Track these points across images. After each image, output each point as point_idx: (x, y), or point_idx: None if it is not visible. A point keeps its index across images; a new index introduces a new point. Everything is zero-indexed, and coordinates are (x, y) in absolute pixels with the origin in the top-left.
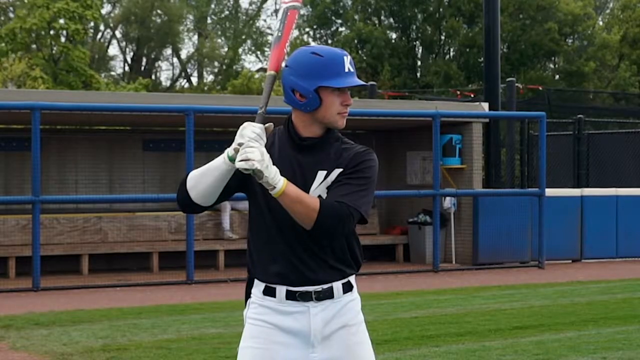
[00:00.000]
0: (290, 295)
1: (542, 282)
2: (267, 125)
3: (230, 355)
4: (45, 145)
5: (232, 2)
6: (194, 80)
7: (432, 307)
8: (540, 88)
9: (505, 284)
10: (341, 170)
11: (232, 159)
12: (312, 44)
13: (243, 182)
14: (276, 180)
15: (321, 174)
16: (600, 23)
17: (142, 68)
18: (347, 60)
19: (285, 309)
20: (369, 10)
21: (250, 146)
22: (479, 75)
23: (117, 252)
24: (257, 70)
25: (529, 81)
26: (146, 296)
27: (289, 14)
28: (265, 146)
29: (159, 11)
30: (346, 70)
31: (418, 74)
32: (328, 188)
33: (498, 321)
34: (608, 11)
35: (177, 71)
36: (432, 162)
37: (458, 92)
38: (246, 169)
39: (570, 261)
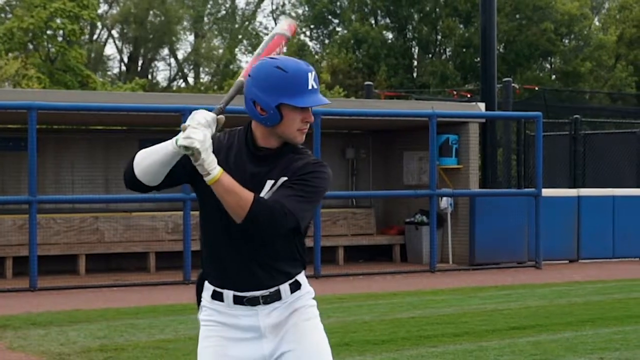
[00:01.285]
0: (237, 300)
1: (539, 283)
2: (219, 116)
3: None
4: (41, 145)
5: (228, 3)
6: (191, 80)
7: (429, 308)
8: (537, 88)
9: (502, 284)
10: (286, 178)
11: (179, 144)
12: (279, 57)
13: (192, 177)
14: (212, 166)
15: (269, 183)
16: (597, 23)
17: (139, 68)
18: (312, 76)
19: (233, 313)
20: (366, 10)
21: (195, 127)
22: (476, 76)
23: (114, 252)
24: None
25: (526, 81)
26: (143, 296)
27: (275, 37)
28: (223, 145)
29: (156, 11)
30: (309, 87)
31: (414, 74)
32: None
33: (495, 321)
34: (604, 11)
35: (173, 71)
36: (429, 162)
37: (454, 92)
38: (186, 147)
39: (567, 261)
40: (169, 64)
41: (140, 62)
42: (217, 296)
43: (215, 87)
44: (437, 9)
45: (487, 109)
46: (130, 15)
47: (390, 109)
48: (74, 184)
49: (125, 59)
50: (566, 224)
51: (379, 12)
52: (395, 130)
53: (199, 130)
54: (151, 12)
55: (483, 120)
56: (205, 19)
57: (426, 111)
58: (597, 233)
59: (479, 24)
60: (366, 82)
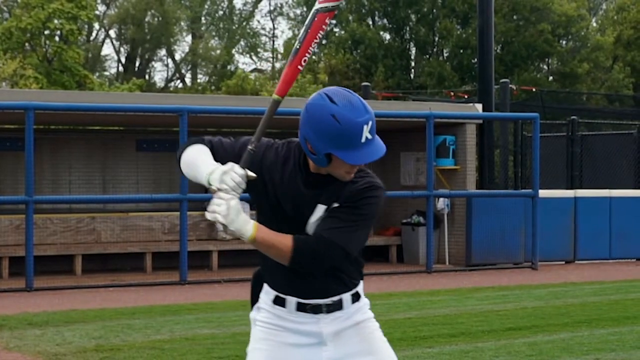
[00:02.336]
0: (301, 307)
1: (536, 283)
2: (250, 174)
3: (223, 355)
4: (38, 145)
5: (226, 3)
6: (188, 81)
7: (426, 308)
8: (534, 89)
9: (499, 285)
10: (337, 204)
11: (209, 184)
12: (339, 99)
13: (254, 189)
14: (243, 231)
15: (321, 207)
16: (594, 24)
17: (136, 68)
18: (367, 128)
19: (294, 319)
20: (363, 11)
21: (220, 198)
22: (473, 76)
23: (111, 253)
24: (251, 71)
25: (523, 82)
26: (139, 296)
27: (317, 17)
28: (279, 158)
29: (154, 12)
30: (363, 140)
31: (412, 75)
32: None
33: (491, 322)
34: (602, 12)
35: (171, 72)
36: (426, 163)
37: (452, 93)
38: (210, 220)
39: (563, 262)
40: (167, 65)
41: (137, 63)
42: (279, 302)
43: (213, 87)
44: (435, 10)
45: (484, 110)
46: (128, 15)
47: (388, 109)
48: (71, 184)
49: (123, 60)
50: (563, 225)
51: (376, 12)
52: (392, 131)
53: (223, 202)
54: (149, 13)
55: (480, 121)
56: (203, 19)
57: (423, 112)
58: (594, 234)
59: (476, 25)
60: (363, 83)
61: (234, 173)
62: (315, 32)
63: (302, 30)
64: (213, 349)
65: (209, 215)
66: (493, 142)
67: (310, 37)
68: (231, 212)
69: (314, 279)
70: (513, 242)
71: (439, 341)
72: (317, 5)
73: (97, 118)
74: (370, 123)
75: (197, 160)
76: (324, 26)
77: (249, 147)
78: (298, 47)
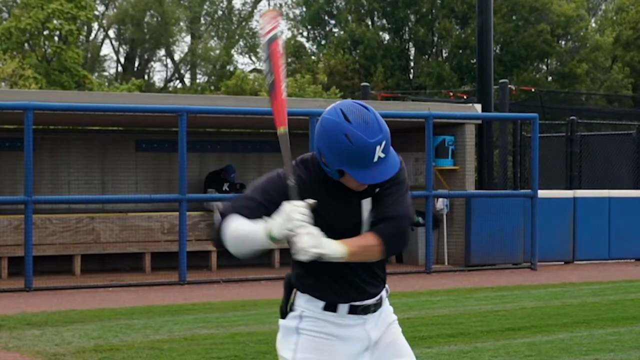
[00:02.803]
0: (352, 310)
1: (534, 284)
2: (310, 202)
3: (222, 356)
4: (38, 146)
5: (225, 3)
6: (187, 81)
7: (425, 309)
8: (533, 89)
9: (498, 285)
10: (378, 189)
11: (274, 239)
12: (353, 117)
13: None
14: (337, 250)
15: (366, 202)
16: (593, 25)
17: (135, 69)
18: (380, 148)
19: (344, 322)
20: (362, 11)
21: (298, 235)
22: (472, 77)
23: (110, 253)
24: (250, 71)
25: (522, 82)
26: (138, 297)
27: (271, 46)
28: (308, 182)
29: (153, 12)
30: (375, 159)
31: (411, 75)
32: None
33: (490, 322)
34: (601, 13)
35: (170, 72)
36: (425, 163)
37: (451, 94)
38: (308, 259)
39: (562, 263)
40: (166, 65)
41: (136, 63)
42: (330, 308)
43: (212, 87)
44: (434, 10)
45: (483, 110)
46: (127, 16)
47: (387, 110)
48: (70, 185)
49: (122, 60)
50: (562, 225)
51: (375, 13)
52: (391, 131)
53: (304, 236)
54: (148, 13)
55: (479, 121)
56: (202, 19)
57: (422, 112)
58: (593, 234)
59: (475, 25)
60: (363, 83)
61: (295, 207)
62: (277, 60)
63: (265, 65)
64: (212, 349)
65: (303, 257)
66: (492, 143)
67: (276, 66)
68: (317, 239)
69: (363, 280)
70: (512, 242)
71: (438, 341)
72: (265, 39)
73: (96, 118)
74: (383, 143)
75: (246, 232)
76: (280, 51)
77: (289, 183)
78: (272, 80)
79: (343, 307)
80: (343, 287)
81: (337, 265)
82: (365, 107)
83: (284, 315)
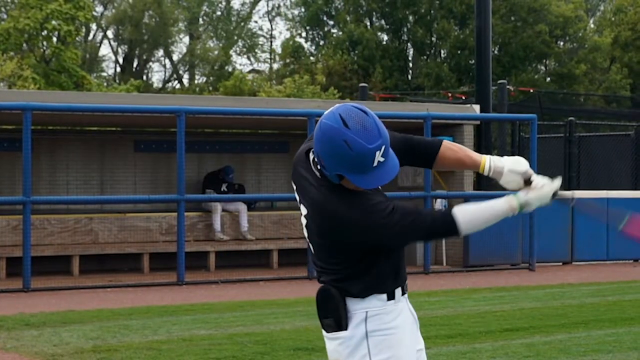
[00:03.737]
0: (404, 291)
1: (533, 285)
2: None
3: (221, 356)
4: (36, 146)
5: (224, 4)
6: (186, 81)
7: (423, 309)
8: (532, 90)
9: (496, 286)
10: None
11: (522, 207)
12: (352, 123)
13: None
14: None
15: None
16: (592, 25)
17: (134, 69)
18: (380, 153)
19: (399, 307)
20: (361, 12)
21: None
22: (471, 77)
23: (108, 253)
24: (249, 72)
25: (520, 83)
26: (137, 297)
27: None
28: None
29: (151, 13)
30: (375, 164)
31: (409, 76)
32: None
33: (488, 323)
34: (599, 14)
35: (168, 72)
36: None
37: (449, 94)
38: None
39: (560, 263)
40: (164, 65)
41: (135, 64)
42: (391, 296)
43: (211, 88)
44: (432, 11)
45: (482, 111)
46: (126, 16)
47: (385, 110)
48: (69, 185)
49: (120, 60)
50: (560, 225)
51: (374, 13)
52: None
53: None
54: (146, 14)
55: (478, 122)
56: (201, 20)
57: (421, 113)
58: (591, 235)
59: (474, 25)
60: (361, 84)
61: (553, 187)
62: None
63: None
64: (210, 350)
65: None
66: (491, 143)
67: None
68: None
69: (404, 263)
70: (510, 243)
71: (437, 342)
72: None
73: (95, 119)
74: (383, 148)
75: (487, 213)
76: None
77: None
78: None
79: (398, 292)
80: (398, 271)
81: (397, 252)
82: (364, 111)
83: (343, 326)
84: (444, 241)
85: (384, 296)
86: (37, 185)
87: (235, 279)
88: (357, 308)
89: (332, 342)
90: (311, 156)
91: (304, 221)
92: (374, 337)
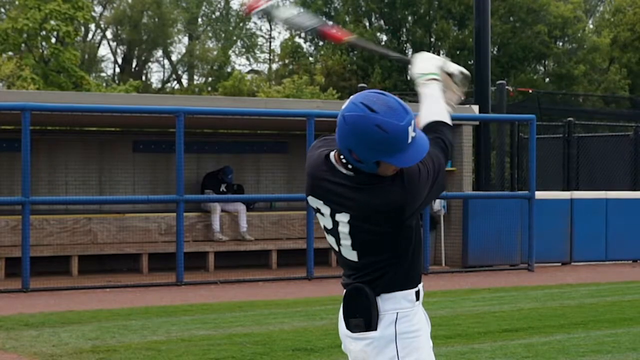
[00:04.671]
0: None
1: (532, 285)
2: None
3: (220, 357)
4: (35, 146)
5: (222, 4)
6: (185, 81)
7: None
8: (531, 91)
9: (495, 286)
10: None
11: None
12: (378, 107)
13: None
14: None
15: None
16: (591, 26)
17: (133, 70)
18: (411, 129)
19: (420, 308)
20: (360, 12)
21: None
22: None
23: (107, 254)
24: (248, 72)
25: (519, 84)
26: (136, 297)
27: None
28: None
29: (150, 13)
30: (409, 140)
31: (409, 77)
32: None
33: (487, 324)
34: (598, 14)
35: (167, 73)
36: None
37: None
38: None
39: (559, 264)
40: (163, 66)
41: (134, 64)
42: (417, 296)
43: (209, 88)
44: (431, 12)
45: (480, 111)
46: (125, 17)
47: None
48: (67, 185)
49: (119, 61)
50: (559, 226)
51: (373, 14)
52: None
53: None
54: (145, 14)
55: (477, 122)
56: (200, 20)
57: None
58: (590, 236)
59: (473, 26)
60: (360, 84)
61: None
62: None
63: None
64: (209, 350)
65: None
66: (489, 144)
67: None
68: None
69: None
70: (509, 243)
71: (435, 342)
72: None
73: (94, 119)
74: (412, 122)
75: (440, 100)
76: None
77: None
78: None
79: (421, 290)
80: (420, 269)
81: (420, 246)
82: (382, 93)
83: (373, 326)
84: (443, 242)
85: (412, 293)
86: (36, 185)
87: (234, 279)
88: (388, 309)
89: (359, 342)
90: (332, 159)
91: (345, 229)
92: (402, 339)
